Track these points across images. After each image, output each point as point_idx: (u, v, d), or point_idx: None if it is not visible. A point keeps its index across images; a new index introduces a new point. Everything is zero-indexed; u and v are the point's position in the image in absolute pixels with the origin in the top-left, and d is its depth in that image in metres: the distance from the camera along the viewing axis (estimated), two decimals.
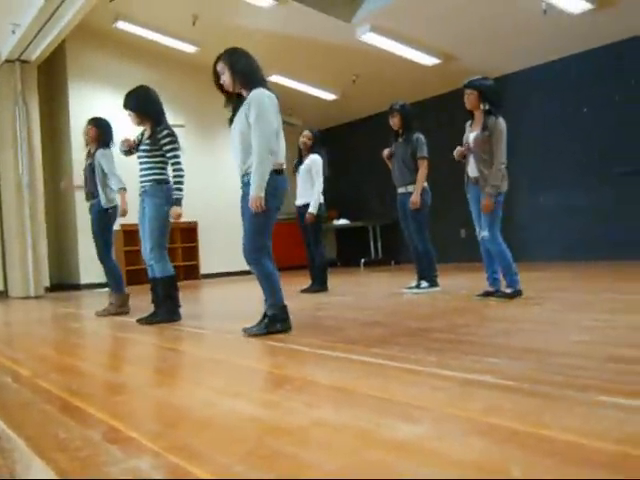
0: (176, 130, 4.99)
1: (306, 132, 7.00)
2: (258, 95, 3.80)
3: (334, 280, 8.44)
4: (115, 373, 3.09)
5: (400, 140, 6.12)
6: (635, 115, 8.35)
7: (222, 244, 11.40)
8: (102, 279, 6.04)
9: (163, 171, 4.92)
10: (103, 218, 5.76)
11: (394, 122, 6.10)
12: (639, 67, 8.30)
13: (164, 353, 3.58)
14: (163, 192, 4.90)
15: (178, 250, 11.02)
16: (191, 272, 11.38)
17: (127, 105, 5.03)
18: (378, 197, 11.60)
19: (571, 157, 9.08)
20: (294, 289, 6.98)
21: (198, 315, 5.40)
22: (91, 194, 5.87)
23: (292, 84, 11.38)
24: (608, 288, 5.31)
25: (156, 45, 10.31)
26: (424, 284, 6.01)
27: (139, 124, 5.02)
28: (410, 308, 4.79)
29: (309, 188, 6.86)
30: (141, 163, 4.93)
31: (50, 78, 10.66)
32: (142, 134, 5.08)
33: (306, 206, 6.83)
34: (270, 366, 2.85)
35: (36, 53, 9.34)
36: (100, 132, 5.90)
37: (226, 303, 6.51)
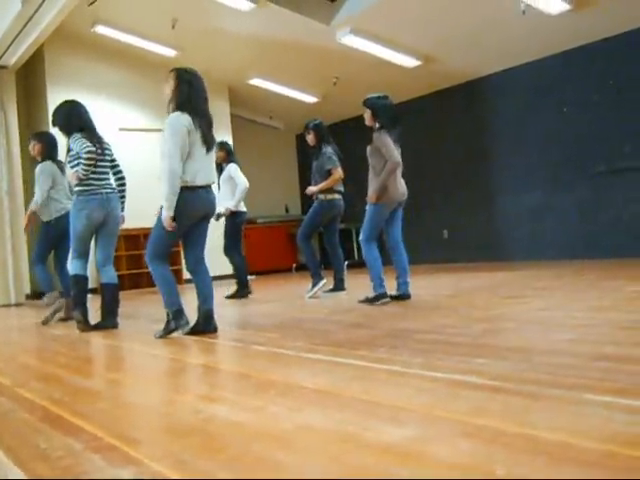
0: (157, 134, 4.98)
1: (218, 149, 7.12)
2: (170, 119, 4.08)
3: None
4: (97, 380, 3.05)
5: (315, 157, 6.52)
6: (613, 115, 8.40)
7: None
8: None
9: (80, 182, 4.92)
10: (44, 230, 5.95)
11: (309, 139, 6.56)
12: (617, 67, 8.35)
13: (146, 359, 3.54)
14: (80, 202, 4.93)
15: None
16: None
17: (53, 123, 5.24)
18: (360, 199, 11.58)
19: (551, 157, 9.11)
20: (268, 293, 6.95)
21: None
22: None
23: (272, 87, 11.35)
24: (591, 286, 5.33)
25: (135, 49, 10.23)
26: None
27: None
28: (394, 309, 4.78)
29: (229, 197, 7.01)
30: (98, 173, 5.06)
31: (29, 83, 10.56)
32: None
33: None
34: (254, 370, 2.82)
35: (14, 58, 9.24)
36: (44, 146, 5.93)
37: None
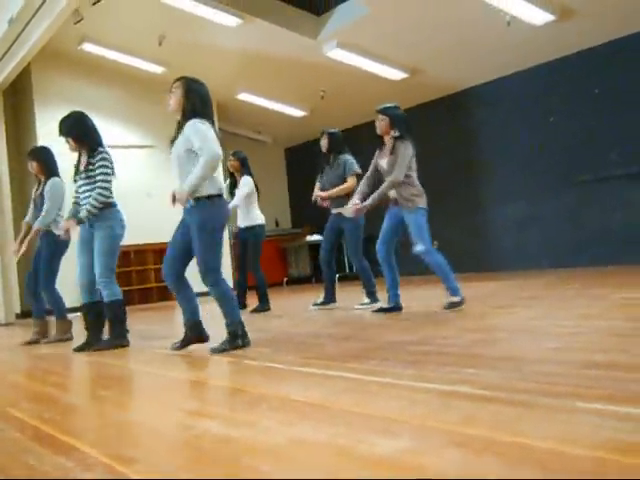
0: (146, 151, 4.96)
1: (230, 156, 7.10)
2: (195, 124, 3.92)
3: (308, 296, 8.40)
4: (88, 399, 3.03)
5: (329, 164, 6.28)
6: (598, 124, 8.47)
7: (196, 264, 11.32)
8: (75, 303, 5.97)
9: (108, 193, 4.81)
10: (53, 245, 5.60)
11: (322, 144, 6.30)
12: (601, 76, 8.43)
13: (138, 376, 3.53)
14: (112, 214, 4.83)
15: (151, 271, 10.92)
16: (164, 293, 11.22)
17: (62, 131, 4.95)
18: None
19: (538, 167, 9.17)
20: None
21: (172, 336, 5.34)
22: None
23: (260, 101, 11.39)
24: (579, 294, 5.36)
25: (122, 66, 10.26)
26: (366, 300, 6.05)
27: (75, 150, 4.93)
28: (384, 322, 4.79)
29: (247, 211, 6.91)
30: (82, 192, 4.83)
31: (16, 102, 10.55)
32: (79, 161, 4.95)
33: (247, 228, 6.87)
34: (246, 385, 2.82)
35: (1, 78, 9.25)
36: (44, 164, 5.71)
37: None
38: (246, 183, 6.91)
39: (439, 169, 10.02)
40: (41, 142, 9.71)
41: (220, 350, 3.88)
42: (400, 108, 5.29)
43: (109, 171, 4.80)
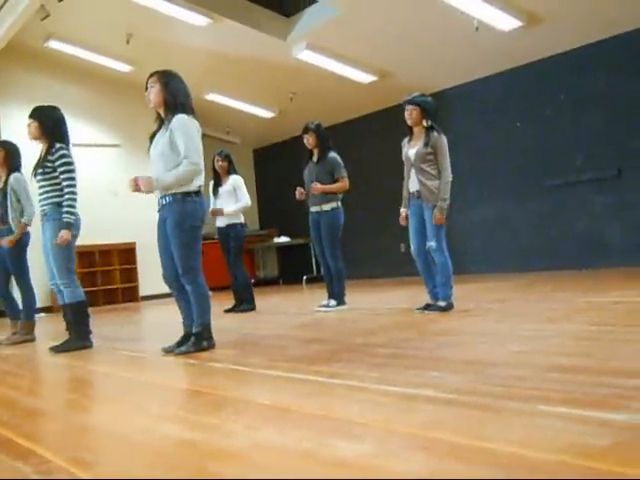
0: (112, 150, 4.89)
1: (217, 156, 7.07)
2: (183, 119, 3.89)
3: (275, 298, 8.40)
4: (47, 401, 2.98)
5: (314, 160, 6.15)
6: (565, 129, 8.58)
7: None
8: (42, 303, 5.86)
9: (62, 192, 4.68)
10: (17, 245, 5.52)
11: (309, 141, 6.13)
12: (568, 82, 8.54)
13: (99, 378, 3.48)
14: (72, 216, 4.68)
15: (116, 272, 10.80)
16: (130, 294, 11.14)
17: (33, 113, 4.84)
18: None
19: (506, 171, 9.26)
20: (220, 309, 6.89)
21: (136, 338, 5.30)
22: (2, 220, 5.60)
23: (229, 102, 11.33)
24: (545, 298, 5.41)
25: (90, 64, 10.13)
26: (332, 302, 6.01)
27: (36, 138, 4.79)
28: (351, 324, 4.79)
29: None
30: (40, 187, 4.70)
31: None
32: (39, 157, 4.85)
33: (229, 227, 6.83)
34: (210, 388, 2.79)
35: None
36: (8, 156, 5.61)
37: (165, 325, 6.39)
38: (241, 182, 6.98)
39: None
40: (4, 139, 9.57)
41: (184, 352, 3.85)
42: (429, 96, 5.18)
43: (72, 167, 4.69)
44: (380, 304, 6.02)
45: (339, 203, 6.02)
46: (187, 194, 3.87)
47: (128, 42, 9.15)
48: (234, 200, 6.85)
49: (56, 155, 4.65)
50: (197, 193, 3.93)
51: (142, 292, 11.20)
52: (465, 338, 3.64)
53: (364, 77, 9.71)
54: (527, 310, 4.69)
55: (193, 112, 4.01)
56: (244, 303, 6.78)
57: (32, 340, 5.54)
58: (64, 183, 4.64)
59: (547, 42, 8.32)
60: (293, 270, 12.70)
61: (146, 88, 3.99)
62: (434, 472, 1.47)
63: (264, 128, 12.44)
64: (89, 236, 9.84)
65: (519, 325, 3.94)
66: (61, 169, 4.64)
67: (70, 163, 4.68)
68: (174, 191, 3.86)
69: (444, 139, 4.96)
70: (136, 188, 3.87)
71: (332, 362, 3.09)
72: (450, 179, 4.93)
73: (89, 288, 10.31)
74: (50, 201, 4.66)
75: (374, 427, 1.91)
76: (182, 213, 3.85)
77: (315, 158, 6.14)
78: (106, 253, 10.63)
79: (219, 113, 11.83)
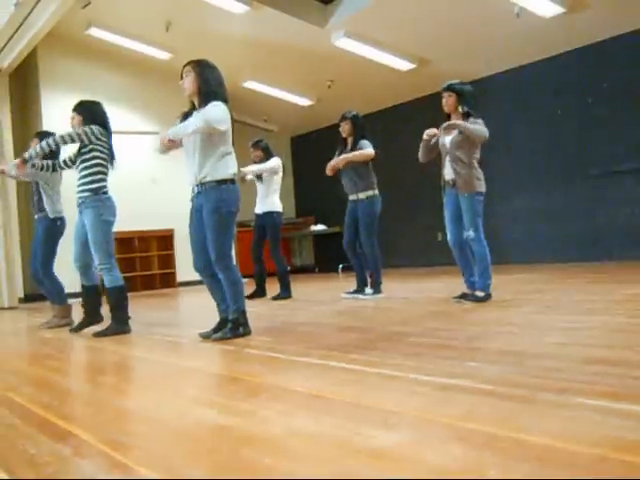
0: (151, 137, 4.92)
1: (251, 148, 7.22)
2: (220, 106, 3.88)
3: (311, 286, 8.41)
4: (88, 385, 3.03)
5: (348, 148, 6.14)
6: (607, 117, 8.42)
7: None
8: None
9: (98, 179, 4.79)
10: (51, 229, 5.67)
11: (344, 129, 6.16)
12: (610, 70, 8.38)
13: (137, 363, 3.53)
14: (102, 201, 4.77)
15: (154, 258, 10.93)
16: (168, 280, 11.26)
17: (76, 108, 4.96)
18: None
19: (546, 160, 9.13)
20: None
21: (173, 323, 5.36)
22: (38, 206, 5.75)
23: (267, 90, 11.35)
24: (583, 290, 5.33)
25: (129, 52, 10.22)
26: (369, 290, 6.05)
27: (75, 128, 4.90)
28: (386, 313, 4.78)
29: (265, 196, 6.91)
30: (79, 177, 4.82)
31: (22, 86, 10.53)
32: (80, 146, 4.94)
33: (265, 214, 6.86)
34: (245, 374, 2.81)
35: (7, 61, 9.22)
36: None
37: (201, 311, 6.44)
38: (275, 160, 6.97)
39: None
40: (46, 127, 9.71)
41: (220, 338, 3.89)
42: (467, 84, 5.17)
43: (88, 135, 4.75)
44: (416, 293, 5.99)
45: (376, 192, 6.00)
46: (223, 181, 3.91)
47: (167, 30, 9.21)
48: (267, 188, 6.86)
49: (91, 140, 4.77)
50: (232, 181, 3.97)
51: (179, 278, 11.32)
52: (502, 329, 3.60)
53: (403, 64, 9.64)
54: (566, 301, 4.63)
55: (227, 101, 4.00)
56: (281, 291, 6.79)
57: (70, 324, 5.63)
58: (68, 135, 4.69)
59: (590, 29, 8.16)
60: (329, 258, 12.70)
61: (181, 76, 4.01)
62: (471, 463, 1.46)
63: (302, 116, 12.44)
64: (128, 222, 9.99)
65: (557, 316, 3.89)
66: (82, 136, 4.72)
67: (88, 133, 4.74)
68: (209, 179, 3.90)
69: (480, 121, 4.93)
70: (165, 145, 4.03)
71: (367, 350, 3.09)
72: (486, 135, 4.91)
73: (128, 274, 10.46)
74: (88, 187, 4.75)
75: (410, 416, 1.90)
76: (218, 199, 3.89)
77: (349, 147, 6.12)
78: (145, 239, 10.75)
79: (257, 101, 11.86)
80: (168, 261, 11.31)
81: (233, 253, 4.08)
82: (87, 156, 4.78)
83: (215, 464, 1.59)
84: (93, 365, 3.75)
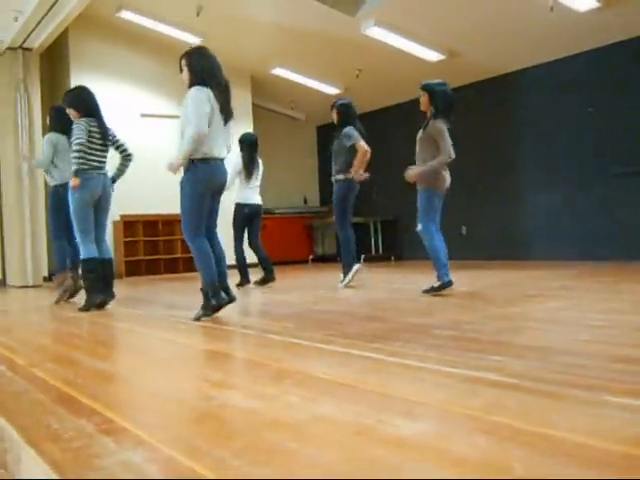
0: (177, 121, 4.98)
1: None
2: (190, 92, 4.13)
3: (333, 275, 8.39)
4: (111, 363, 3.05)
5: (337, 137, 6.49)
6: (636, 116, 8.29)
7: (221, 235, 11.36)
8: None
9: (78, 161, 5.07)
10: (53, 197, 6.06)
11: (334, 118, 6.66)
12: None
13: (161, 344, 3.55)
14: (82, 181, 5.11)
15: (178, 242, 10.94)
16: (190, 263, 11.14)
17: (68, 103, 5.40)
18: (379, 193, 11.55)
19: (573, 156, 9.02)
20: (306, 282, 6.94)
21: (196, 307, 5.36)
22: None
23: (295, 77, 11.32)
24: (611, 288, 5.28)
25: (159, 35, 10.23)
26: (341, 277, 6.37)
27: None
28: (408, 304, 4.76)
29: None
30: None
31: (52, 66, 10.60)
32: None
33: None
34: (269, 359, 2.81)
35: (38, 41, 9.28)
36: (49, 119, 6.21)
37: None
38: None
39: (473, 153, 9.88)
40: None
41: (195, 318, 4.11)
42: (445, 85, 5.24)
43: (78, 137, 5.13)
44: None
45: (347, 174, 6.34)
46: (192, 161, 4.12)
47: (198, 14, 9.20)
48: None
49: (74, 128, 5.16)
50: (202, 160, 4.11)
51: None
52: (527, 324, 3.58)
53: (432, 55, 9.55)
54: (591, 299, 4.58)
55: (217, 85, 4.18)
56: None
57: (64, 293, 5.94)
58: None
59: (624, 24, 8.02)
60: None
61: (180, 69, 4.26)
62: (496, 456, 1.44)
63: (329, 105, 12.37)
64: (153, 206, 10.07)
65: (583, 314, 3.85)
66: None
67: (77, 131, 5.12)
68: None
69: (438, 122, 5.03)
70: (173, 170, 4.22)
71: (390, 340, 3.08)
72: (446, 161, 5.01)
73: (151, 256, 10.53)
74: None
75: (433, 407, 1.89)
76: (184, 177, 4.17)
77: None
78: (169, 223, 10.77)
79: (285, 88, 11.84)
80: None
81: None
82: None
83: (239, 446, 1.59)
84: (116, 344, 3.78)
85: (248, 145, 7.17)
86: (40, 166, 6.27)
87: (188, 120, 4.02)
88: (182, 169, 4.15)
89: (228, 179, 6.80)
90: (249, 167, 7.05)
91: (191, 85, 4.16)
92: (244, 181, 7.03)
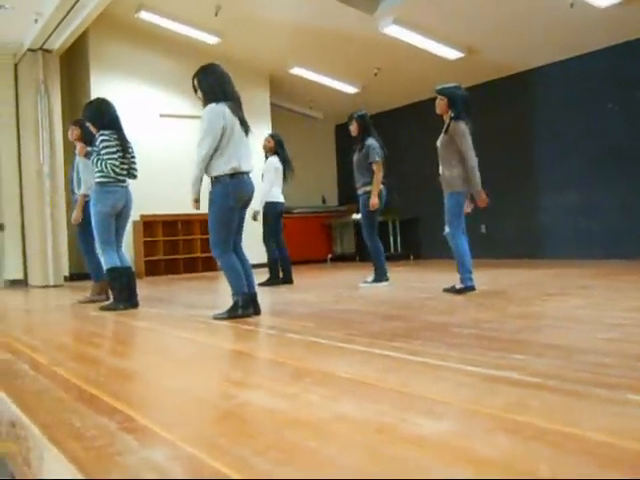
0: (198, 121, 4.99)
1: (267, 137, 7.45)
2: (205, 110, 4.22)
3: (352, 274, 8.39)
4: (132, 362, 3.06)
5: (359, 147, 6.46)
6: None
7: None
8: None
9: (102, 174, 5.13)
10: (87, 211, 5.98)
11: (352, 129, 6.52)
12: None
13: (182, 343, 3.56)
14: (102, 193, 5.15)
15: (197, 241, 10.98)
16: (209, 263, 11.28)
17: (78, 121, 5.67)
18: (398, 192, 11.51)
19: (595, 154, 8.93)
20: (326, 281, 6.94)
21: (215, 306, 5.38)
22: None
23: (313, 76, 11.31)
24: (631, 286, 5.22)
25: (178, 35, 10.25)
26: (369, 278, 6.37)
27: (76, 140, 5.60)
28: (429, 303, 4.74)
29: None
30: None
31: (72, 68, 10.67)
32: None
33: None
34: (289, 358, 2.81)
35: (58, 42, 9.34)
36: (82, 132, 6.02)
37: None
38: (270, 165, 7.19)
39: (493, 151, 9.81)
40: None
41: (219, 317, 4.19)
42: (461, 88, 5.31)
43: (109, 149, 5.20)
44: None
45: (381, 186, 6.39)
46: (216, 177, 4.23)
47: (216, 14, 9.22)
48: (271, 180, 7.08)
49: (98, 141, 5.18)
50: (229, 175, 4.18)
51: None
52: (548, 322, 3.55)
53: (451, 53, 9.50)
54: (612, 297, 4.54)
55: (225, 99, 4.23)
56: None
57: (103, 301, 5.83)
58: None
59: None
60: None
61: (195, 91, 4.36)
62: (521, 456, 1.43)
63: (347, 103, 12.33)
64: (173, 206, 10.10)
65: (604, 312, 3.81)
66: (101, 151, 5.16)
67: (102, 144, 5.16)
68: (209, 175, 4.27)
69: (460, 125, 5.05)
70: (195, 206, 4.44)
71: (411, 339, 3.06)
72: (473, 164, 5.04)
73: (171, 256, 10.57)
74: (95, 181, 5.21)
75: (455, 406, 1.87)
76: (211, 193, 4.27)
77: (359, 146, 6.46)
78: (188, 223, 10.81)
79: (303, 88, 11.83)
80: (206, 246, 11.36)
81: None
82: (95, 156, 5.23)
83: (260, 445, 1.59)
84: (137, 343, 3.80)
85: (282, 144, 7.32)
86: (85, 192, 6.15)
87: (199, 140, 4.14)
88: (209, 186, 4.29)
89: (270, 180, 6.94)
90: (289, 165, 7.27)
91: (205, 104, 4.23)
92: (278, 180, 7.15)
